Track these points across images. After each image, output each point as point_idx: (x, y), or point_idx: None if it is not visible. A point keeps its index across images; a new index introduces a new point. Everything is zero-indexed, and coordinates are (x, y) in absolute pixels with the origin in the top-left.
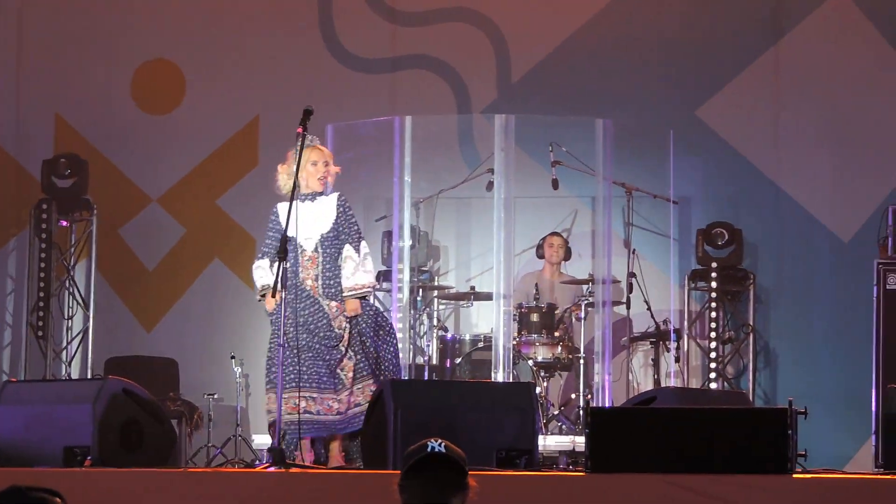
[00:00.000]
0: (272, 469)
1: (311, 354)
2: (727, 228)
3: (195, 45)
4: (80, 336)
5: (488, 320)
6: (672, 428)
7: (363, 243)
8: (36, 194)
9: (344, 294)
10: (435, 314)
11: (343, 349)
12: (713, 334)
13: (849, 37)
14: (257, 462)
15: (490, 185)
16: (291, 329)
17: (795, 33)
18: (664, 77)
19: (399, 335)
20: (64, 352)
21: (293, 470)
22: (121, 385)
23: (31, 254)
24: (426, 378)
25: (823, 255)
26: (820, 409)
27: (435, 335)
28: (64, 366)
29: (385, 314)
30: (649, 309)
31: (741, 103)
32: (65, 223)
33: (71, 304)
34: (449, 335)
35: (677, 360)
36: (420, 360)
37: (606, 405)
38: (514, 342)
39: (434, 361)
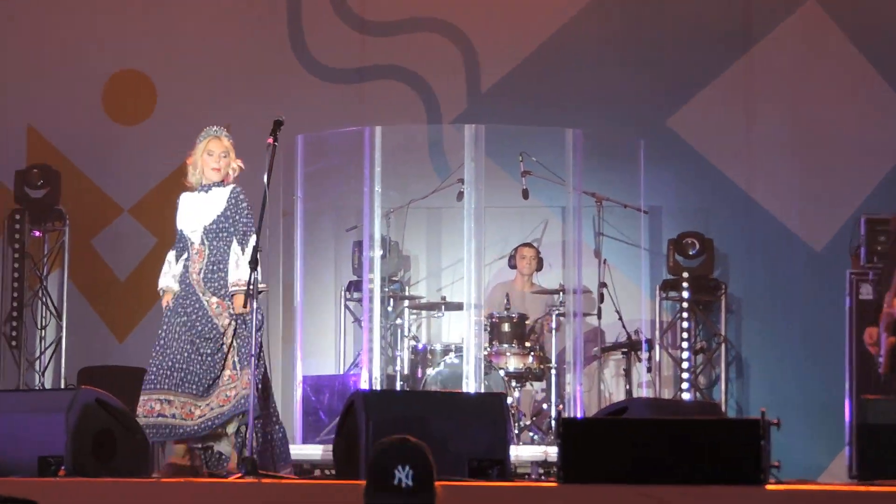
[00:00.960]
0: (245, 479)
1: (188, 354)
2: (698, 238)
3: (165, 55)
4: (54, 346)
5: (459, 330)
6: (644, 439)
7: (252, 238)
8: (9, 204)
9: (230, 290)
10: (406, 324)
11: (223, 347)
12: (685, 344)
13: (820, 46)
14: (229, 472)
15: (460, 195)
16: (177, 328)
17: (766, 42)
18: (635, 86)
19: (370, 345)
20: (37, 361)
21: (266, 480)
22: (94, 395)
23: (4, 264)
24: (397, 388)
25: (795, 265)
26: (793, 419)
27: (406, 345)
28: (37, 375)
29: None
30: (620, 319)
31: (712, 113)
32: (38, 233)
33: (44, 314)
34: (420, 345)
35: (649, 370)
36: (391, 369)
37: (578, 416)
38: (486, 352)
39: (405, 371)
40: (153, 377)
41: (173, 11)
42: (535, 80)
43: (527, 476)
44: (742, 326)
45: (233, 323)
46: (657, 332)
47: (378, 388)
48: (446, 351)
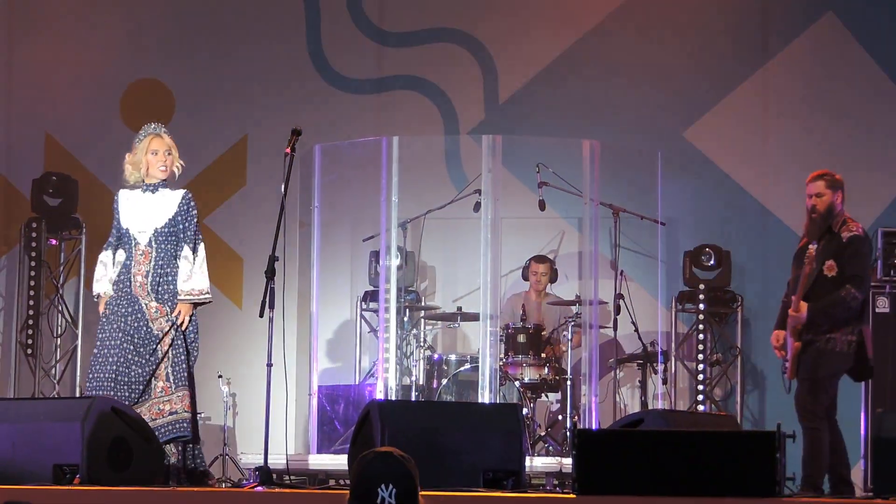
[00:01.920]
0: (260, 488)
1: (128, 358)
2: (715, 250)
3: (184, 65)
4: (69, 354)
5: (475, 341)
6: (659, 450)
7: (201, 246)
8: (25, 213)
9: (179, 297)
10: (422, 334)
11: (160, 354)
12: (701, 356)
13: (837, 58)
14: (245, 481)
15: (477, 206)
16: (114, 333)
17: (784, 55)
18: (652, 98)
19: (386, 355)
20: (53, 370)
21: (281, 490)
22: (109, 404)
23: (20, 272)
24: (413, 399)
25: None
26: None
27: (422, 355)
28: (53, 384)
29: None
30: (637, 330)
31: (729, 125)
32: (54, 241)
33: (60, 323)
34: (436, 355)
35: (665, 381)
36: (407, 380)
37: (593, 427)
38: (501, 363)
39: (421, 382)
40: (96, 385)
41: (191, 21)
42: (552, 91)
43: (541, 487)
44: (758, 338)
45: (171, 332)
46: (673, 344)
47: (394, 398)
48: (461, 362)
